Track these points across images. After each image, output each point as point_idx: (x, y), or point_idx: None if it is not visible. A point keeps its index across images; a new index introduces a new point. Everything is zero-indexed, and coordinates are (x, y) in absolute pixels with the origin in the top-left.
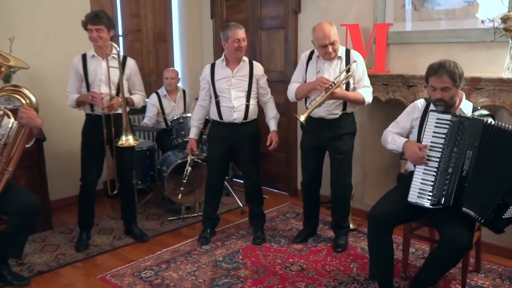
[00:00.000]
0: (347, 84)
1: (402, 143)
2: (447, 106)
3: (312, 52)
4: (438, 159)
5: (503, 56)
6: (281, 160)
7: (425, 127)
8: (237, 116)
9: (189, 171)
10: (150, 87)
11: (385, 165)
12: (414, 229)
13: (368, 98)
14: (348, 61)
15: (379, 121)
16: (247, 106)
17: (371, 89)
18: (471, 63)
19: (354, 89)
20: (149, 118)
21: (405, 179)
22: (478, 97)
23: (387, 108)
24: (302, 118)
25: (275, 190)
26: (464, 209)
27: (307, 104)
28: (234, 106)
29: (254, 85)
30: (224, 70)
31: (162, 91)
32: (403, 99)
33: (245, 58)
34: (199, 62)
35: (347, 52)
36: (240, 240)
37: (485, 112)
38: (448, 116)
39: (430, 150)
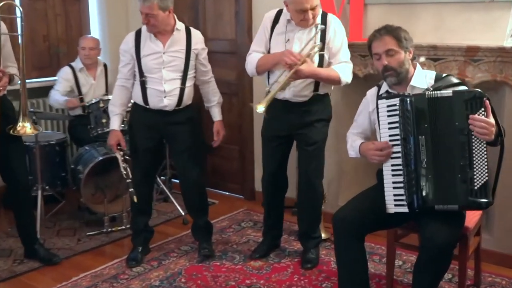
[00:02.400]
0: (321, 59)
1: (358, 148)
2: (398, 75)
3: (279, 13)
4: (400, 154)
5: (505, 19)
6: (234, 153)
7: (378, 119)
8: (168, 102)
9: (127, 168)
10: (58, 62)
11: (364, 158)
12: (400, 236)
13: (346, 77)
14: (324, 29)
15: (356, 103)
16: (181, 90)
17: (350, 65)
18: (466, 28)
19: (330, 65)
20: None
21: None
22: (475, 71)
23: (366, 86)
24: (260, 108)
25: (226, 193)
26: (437, 207)
27: (269, 85)
28: (166, 91)
29: (192, 63)
30: (153, 43)
31: (77, 64)
32: None
33: (180, 25)
34: (123, 27)
35: (323, 17)
36: (182, 258)
37: (452, 79)
38: (396, 100)
39: (392, 145)
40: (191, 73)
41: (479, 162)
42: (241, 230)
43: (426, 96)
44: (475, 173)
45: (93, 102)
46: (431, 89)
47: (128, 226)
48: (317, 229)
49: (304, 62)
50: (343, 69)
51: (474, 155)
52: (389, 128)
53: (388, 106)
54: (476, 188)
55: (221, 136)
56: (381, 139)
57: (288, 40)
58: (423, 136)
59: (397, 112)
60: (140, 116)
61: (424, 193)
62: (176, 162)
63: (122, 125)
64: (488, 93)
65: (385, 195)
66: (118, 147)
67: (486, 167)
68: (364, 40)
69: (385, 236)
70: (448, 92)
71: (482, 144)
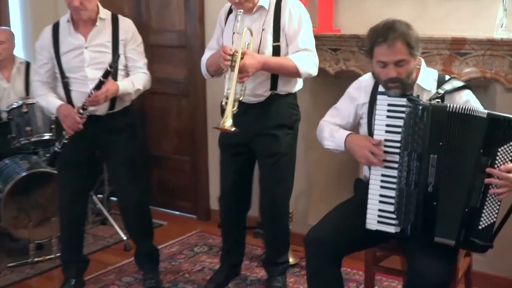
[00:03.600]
0: (276, 50)
1: (343, 138)
2: (404, 86)
3: None
4: (397, 165)
5: (495, 8)
6: (185, 165)
7: (375, 118)
8: (98, 107)
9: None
10: None
11: (338, 167)
12: (380, 258)
13: (306, 67)
14: (278, 13)
15: (327, 104)
16: None
17: (312, 53)
18: (451, 18)
19: (287, 54)
20: None
21: (365, 188)
22: (462, 66)
23: (338, 84)
24: (229, 123)
25: (176, 212)
26: (437, 238)
27: (225, 91)
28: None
29: (121, 57)
30: (72, 37)
31: None
32: (360, 71)
33: (105, 13)
34: (51, 18)
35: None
36: None
37: (457, 82)
38: (403, 100)
39: (386, 152)
40: (122, 70)
41: (492, 200)
42: (194, 256)
43: (448, 109)
44: (484, 211)
45: (14, 106)
46: (442, 92)
47: (58, 255)
48: (284, 252)
49: (245, 54)
50: (301, 57)
51: (489, 192)
52: (387, 132)
53: (390, 105)
54: (480, 228)
55: (102, 93)
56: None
57: (235, 33)
58: (436, 156)
59: (402, 116)
60: None
61: (423, 222)
62: (113, 177)
63: (51, 134)
64: (477, 91)
65: (367, 208)
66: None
67: (498, 207)
68: (335, 31)
69: (363, 259)
70: (480, 111)
71: None
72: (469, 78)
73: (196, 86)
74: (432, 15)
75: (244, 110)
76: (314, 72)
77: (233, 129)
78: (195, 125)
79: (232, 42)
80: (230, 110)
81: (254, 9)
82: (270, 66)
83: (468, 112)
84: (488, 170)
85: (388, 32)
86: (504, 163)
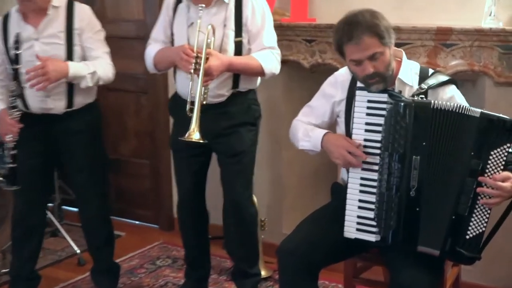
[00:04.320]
0: (238, 46)
1: (319, 138)
2: (385, 80)
3: None
4: (377, 168)
5: None
6: (144, 170)
7: (353, 116)
8: (54, 104)
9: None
10: None
11: (314, 170)
12: (361, 270)
13: (271, 66)
14: (239, 7)
15: (301, 100)
16: (70, 86)
17: (276, 51)
18: (436, 6)
19: (250, 52)
20: None
21: (343, 193)
22: (448, 58)
23: (313, 78)
24: (196, 136)
25: (137, 222)
26: (420, 247)
27: (188, 97)
28: (48, 88)
29: (78, 48)
30: (22, 27)
31: None
32: (337, 64)
33: (59, 0)
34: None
35: None
36: None
37: (442, 77)
38: (384, 96)
39: (365, 153)
40: (79, 62)
41: (481, 208)
42: (156, 270)
43: (432, 107)
44: (472, 220)
45: None
46: (425, 87)
47: (5, 270)
48: (255, 264)
49: (210, 56)
50: (265, 56)
51: (478, 198)
52: (366, 131)
53: (370, 101)
54: (467, 238)
55: (41, 66)
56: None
57: (192, 23)
58: (418, 157)
59: (383, 113)
60: (23, 124)
61: (404, 229)
62: (71, 184)
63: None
64: (465, 85)
65: (345, 214)
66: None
67: (488, 216)
68: (310, 20)
69: (342, 271)
70: (473, 110)
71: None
72: (455, 71)
73: (157, 82)
74: (415, 3)
75: (203, 111)
76: (278, 71)
77: (202, 141)
78: (155, 125)
79: (188, 38)
80: (197, 119)
81: (213, 3)
82: (236, 67)
83: (458, 110)
84: (481, 179)
85: (351, 29)
86: (496, 168)
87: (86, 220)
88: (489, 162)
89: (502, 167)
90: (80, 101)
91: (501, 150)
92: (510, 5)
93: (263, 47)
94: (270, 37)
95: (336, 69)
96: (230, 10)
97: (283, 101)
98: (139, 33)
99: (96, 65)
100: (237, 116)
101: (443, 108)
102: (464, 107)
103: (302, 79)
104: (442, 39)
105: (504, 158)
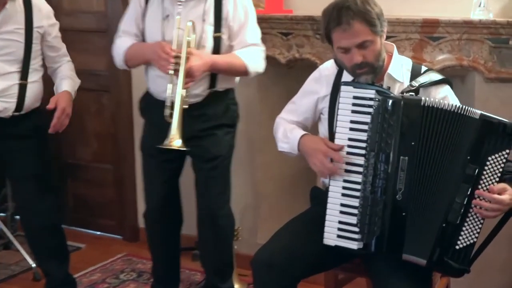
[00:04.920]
0: (217, 43)
1: (297, 140)
2: (375, 70)
3: None
4: (361, 169)
5: None
6: (107, 176)
7: (337, 113)
8: (2, 106)
9: None
10: None
11: (292, 174)
12: (343, 282)
13: (256, 65)
14: (219, 0)
15: (278, 99)
16: (22, 88)
17: (261, 48)
18: None
19: (231, 48)
20: None
21: (323, 198)
22: (435, 52)
23: (290, 74)
24: (177, 142)
25: (97, 233)
26: (405, 255)
27: (167, 101)
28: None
29: (36, 47)
30: None
31: None
32: (316, 59)
33: None
34: None
35: None
36: None
37: (435, 75)
38: (371, 92)
39: (349, 154)
40: (35, 63)
41: (474, 217)
42: (120, 284)
43: (422, 104)
44: (464, 229)
45: None
46: (416, 85)
47: None
48: (228, 277)
49: (191, 55)
50: (250, 54)
51: (472, 206)
52: (351, 129)
53: (356, 97)
54: (457, 248)
55: (60, 112)
56: (335, 142)
57: (167, 16)
58: (406, 158)
59: (370, 111)
60: None
61: (389, 236)
62: (16, 193)
63: None
64: (453, 81)
65: (325, 220)
66: None
67: (480, 226)
68: (286, 12)
69: (322, 283)
70: (471, 111)
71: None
72: (443, 66)
73: (119, 79)
74: None
75: None
76: (263, 69)
77: (183, 148)
78: (118, 126)
79: (162, 33)
80: (178, 124)
81: None
82: (219, 67)
83: (454, 110)
84: (478, 192)
85: (340, 13)
86: (492, 175)
87: (32, 232)
88: (486, 168)
89: (499, 174)
90: (29, 105)
91: (500, 156)
92: None
93: (247, 44)
94: (253, 33)
95: (315, 64)
96: (209, 4)
97: (258, 100)
98: (100, 26)
99: (73, 75)
100: (214, 117)
101: (435, 106)
102: (462, 107)
103: (278, 76)
104: (429, 31)
105: (502, 165)
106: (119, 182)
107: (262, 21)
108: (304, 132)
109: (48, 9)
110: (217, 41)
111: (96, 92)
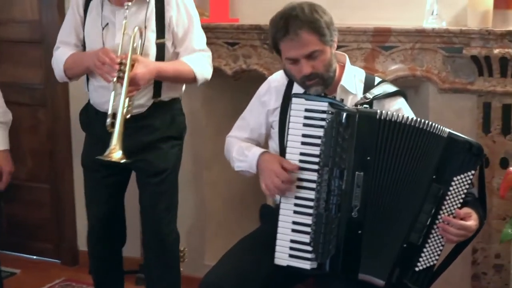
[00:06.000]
0: (161, 49)
1: (256, 158)
2: (325, 82)
3: None
4: (314, 185)
5: None
6: (43, 196)
7: (288, 126)
8: None
9: None
10: None
11: (240, 191)
12: None
13: (204, 72)
14: (161, 5)
15: (224, 113)
16: None
17: (207, 54)
18: (373, 4)
19: (176, 55)
20: None
21: (274, 216)
22: (388, 62)
23: (237, 87)
24: (118, 154)
25: (34, 257)
26: (361, 275)
27: (108, 110)
28: None
29: None
30: None
31: None
32: (264, 70)
33: None
34: None
35: None
36: None
37: (389, 87)
38: (324, 105)
39: (301, 169)
40: None
41: (436, 239)
42: None
43: (378, 117)
44: (425, 250)
45: None
46: (370, 97)
47: None
48: None
49: (136, 62)
50: (198, 61)
51: (435, 227)
52: (303, 144)
53: (308, 110)
54: (416, 270)
55: (6, 176)
56: (286, 157)
57: (107, 24)
58: (362, 173)
59: (322, 124)
60: None
61: (345, 255)
62: None
63: None
64: (407, 92)
65: (276, 239)
66: None
67: (441, 248)
68: (232, 21)
69: None
70: (438, 128)
71: (453, 215)
72: (396, 76)
73: (56, 93)
74: (350, 1)
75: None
76: (210, 75)
77: (123, 161)
78: (55, 143)
79: (103, 41)
80: (119, 135)
81: (133, 1)
82: (165, 75)
83: (417, 125)
84: (445, 218)
85: (287, 22)
86: (456, 197)
87: None
88: (451, 188)
89: (463, 196)
90: None
91: (465, 177)
92: (453, 2)
93: (194, 50)
94: (200, 38)
95: (263, 75)
96: (151, 8)
97: (203, 113)
98: (34, 36)
99: (4, 112)
100: (159, 129)
101: (393, 119)
102: (428, 123)
103: (224, 88)
104: (381, 41)
105: (467, 187)
106: (57, 202)
107: (207, 30)
108: (263, 150)
109: None
110: (160, 47)
111: (31, 107)
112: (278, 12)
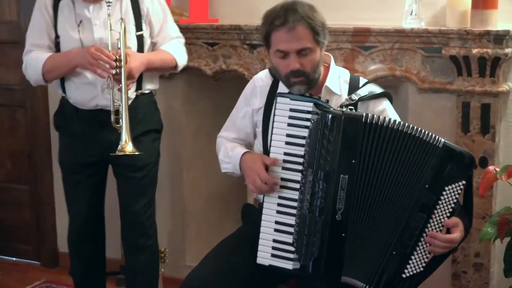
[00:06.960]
0: (140, 41)
1: (238, 159)
2: (310, 82)
3: None
4: (298, 186)
5: None
6: (22, 197)
7: (272, 126)
8: None
9: None
10: None
11: (221, 191)
12: None
13: (182, 57)
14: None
15: (205, 113)
16: None
17: (183, 40)
18: (352, 5)
19: (153, 45)
20: None
21: (257, 216)
22: (367, 62)
23: (217, 87)
24: (129, 149)
25: (13, 259)
26: (344, 278)
27: (110, 107)
28: None
29: None
30: None
31: None
32: (244, 70)
33: None
34: None
35: None
36: None
37: (374, 88)
38: (309, 106)
39: (285, 169)
40: None
41: (424, 248)
42: None
43: (363, 120)
44: (413, 258)
45: None
46: (355, 98)
47: None
48: None
49: (127, 56)
50: (176, 48)
51: (424, 235)
52: (287, 143)
53: (292, 110)
54: (404, 276)
55: None
56: (271, 156)
57: (81, 21)
58: (347, 176)
59: (307, 124)
60: None
61: (328, 257)
62: None
63: None
64: None
65: (259, 238)
66: None
67: (428, 256)
68: (212, 21)
69: None
70: (433, 137)
71: (442, 224)
72: (375, 76)
73: (35, 94)
74: (330, 1)
75: (100, 121)
76: (186, 61)
77: (137, 152)
78: (34, 144)
79: (80, 40)
80: (127, 129)
81: None
82: (154, 65)
83: (410, 132)
84: (431, 234)
85: (287, 13)
86: (446, 207)
87: None
88: (442, 198)
89: (453, 205)
90: None
91: (455, 187)
92: (432, 2)
93: (172, 38)
94: (174, 26)
95: (243, 76)
96: (125, 4)
97: (183, 113)
98: (12, 37)
99: None
100: (142, 122)
101: (379, 123)
102: (422, 130)
103: (204, 88)
104: (360, 41)
105: (457, 197)
106: (36, 204)
107: (186, 30)
108: (245, 150)
109: None
110: (140, 39)
111: (10, 108)
112: (278, 4)
